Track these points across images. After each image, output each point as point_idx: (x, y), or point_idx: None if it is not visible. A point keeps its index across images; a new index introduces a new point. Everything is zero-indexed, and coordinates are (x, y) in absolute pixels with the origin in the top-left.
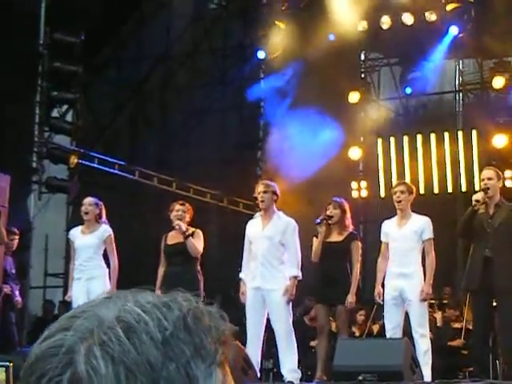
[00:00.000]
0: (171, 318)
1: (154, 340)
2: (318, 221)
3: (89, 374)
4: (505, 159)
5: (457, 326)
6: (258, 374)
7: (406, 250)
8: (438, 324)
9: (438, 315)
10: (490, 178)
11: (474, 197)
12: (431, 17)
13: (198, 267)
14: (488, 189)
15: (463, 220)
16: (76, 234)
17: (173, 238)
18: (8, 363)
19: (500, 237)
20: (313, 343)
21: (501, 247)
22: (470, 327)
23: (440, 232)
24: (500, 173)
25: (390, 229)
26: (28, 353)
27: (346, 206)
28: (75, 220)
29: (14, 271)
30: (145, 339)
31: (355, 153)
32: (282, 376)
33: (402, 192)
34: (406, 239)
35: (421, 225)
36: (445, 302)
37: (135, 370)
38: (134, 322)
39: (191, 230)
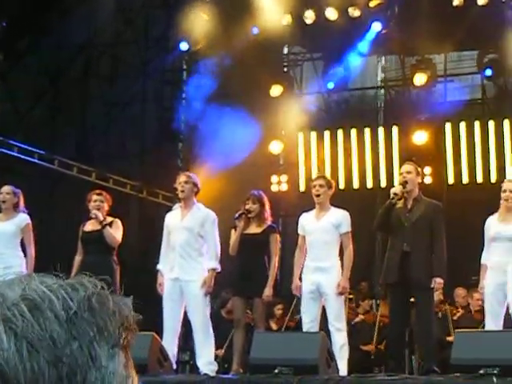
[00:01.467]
0: (76, 298)
1: (59, 318)
2: (237, 215)
3: None
4: (424, 156)
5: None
6: (174, 366)
7: (323, 243)
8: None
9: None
10: (408, 172)
11: (392, 190)
12: (354, 12)
13: (115, 257)
14: (406, 182)
15: (380, 213)
16: None
17: (90, 226)
18: None
19: (417, 231)
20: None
21: (418, 241)
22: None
23: (359, 227)
24: (419, 168)
25: (307, 222)
26: None
27: (265, 200)
28: None
29: None
30: (49, 316)
31: (276, 147)
32: (197, 368)
33: (320, 186)
34: (323, 232)
35: (338, 218)
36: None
37: (38, 346)
38: (39, 299)
39: (110, 219)
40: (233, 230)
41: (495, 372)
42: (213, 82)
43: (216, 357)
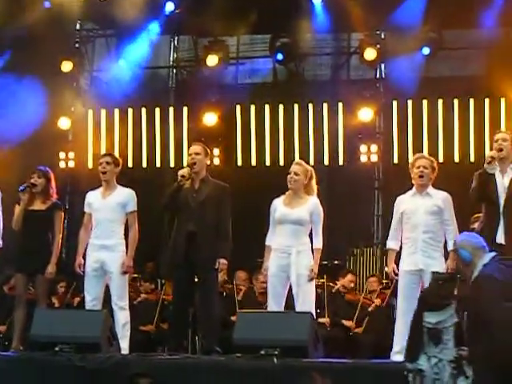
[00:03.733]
0: None
1: None
2: (22, 188)
3: None
4: (214, 137)
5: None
6: None
7: (108, 221)
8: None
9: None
10: (197, 153)
11: (180, 172)
12: None
13: None
14: (194, 164)
15: (167, 194)
16: None
17: None
18: None
19: (203, 212)
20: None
21: (204, 222)
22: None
23: (147, 207)
24: (208, 149)
25: (93, 199)
26: None
27: (51, 175)
28: None
29: None
30: None
31: (65, 123)
32: None
33: (107, 163)
34: (109, 210)
35: (125, 197)
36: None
37: None
38: None
39: None
40: (17, 205)
41: (275, 353)
42: (3, 53)
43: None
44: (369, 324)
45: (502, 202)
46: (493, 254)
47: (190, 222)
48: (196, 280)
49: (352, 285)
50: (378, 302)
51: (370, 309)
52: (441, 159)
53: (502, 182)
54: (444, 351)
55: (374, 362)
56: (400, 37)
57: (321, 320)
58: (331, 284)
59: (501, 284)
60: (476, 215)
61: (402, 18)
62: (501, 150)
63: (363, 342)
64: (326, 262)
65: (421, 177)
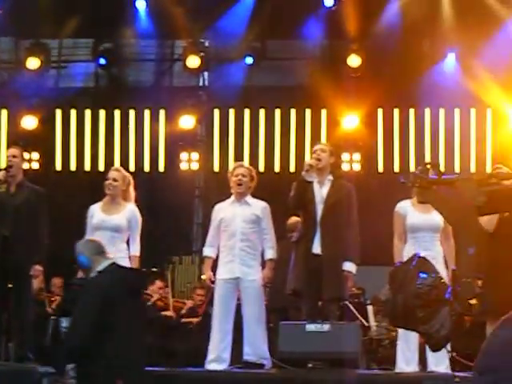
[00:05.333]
0: None
1: None
2: None
3: None
4: (34, 141)
5: None
6: None
7: None
8: None
9: None
10: (14, 156)
11: None
12: None
13: None
14: (11, 167)
15: None
16: None
17: None
18: None
19: (19, 216)
20: None
21: (19, 227)
22: None
23: None
24: (25, 153)
25: None
26: None
27: None
28: None
29: None
30: None
31: None
32: None
33: None
34: None
35: None
36: None
37: None
38: None
39: None
40: None
41: None
42: None
43: None
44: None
45: (319, 212)
46: (110, 261)
47: (4, 226)
48: (10, 286)
49: (161, 291)
50: (190, 303)
51: (183, 311)
52: (261, 169)
53: (319, 192)
54: None
55: (189, 370)
56: (224, 45)
57: None
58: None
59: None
60: (291, 221)
61: (226, 26)
62: (319, 160)
63: (180, 351)
64: (144, 270)
65: (239, 185)
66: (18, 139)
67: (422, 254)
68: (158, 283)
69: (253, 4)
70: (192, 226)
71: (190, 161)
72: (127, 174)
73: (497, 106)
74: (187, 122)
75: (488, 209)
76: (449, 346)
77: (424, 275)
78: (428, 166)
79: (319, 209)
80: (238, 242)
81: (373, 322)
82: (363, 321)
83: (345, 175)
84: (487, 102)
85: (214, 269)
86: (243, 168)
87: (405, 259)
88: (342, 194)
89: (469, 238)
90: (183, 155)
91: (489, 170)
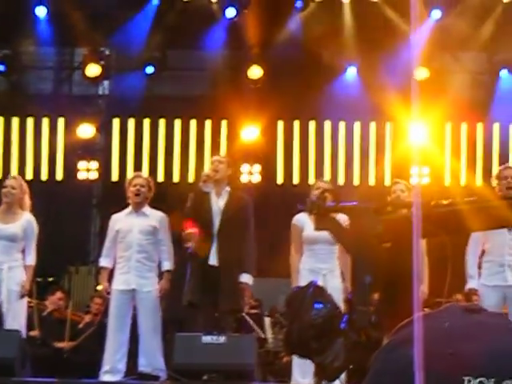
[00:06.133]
0: None
1: None
2: None
3: None
4: None
5: None
6: None
7: None
8: None
9: None
10: None
11: None
12: None
13: None
14: None
15: None
16: None
17: None
18: None
19: None
20: None
21: None
22: None
23: None
24: None
25: None
26: None
27: None
28: None
29: None
30: None
31: None
32: None
33: None
34: None
35: None
36: None
37: None
38: None
39: None
40: None
41: None
42: None
43: None
44: (81, 342)
45: (216, 223)
46: None
47: None
48: None
49: (61, 302)
50: (88, 318)
51: (80, 326)
52: (161, 178)
53: (216, 204)
54: None
55: (83, 381)
56: (125, 54)
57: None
58: (42, 305)
59: None
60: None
61: (127, 35)
62: (216, 171)
63: (74, 361)
64: (39, 280)
65: (137, 195)
66: None
67: (318, 283)
68: (59, 294)
69: (154, 13)
70: (89, 236)
71: (88, 170)
72: (23, 183)
73: (396, 119)
74: (86, 130)
75: (386, 237)
76: (343, 377)
77: (319, 305)
78: (326, 194)
79: (216, 220)
80: (134, 253)
81: (270, 334)
82: (260, 332)
83: (243, 187)
84: (387, 115)
85: (110, 279)
86: (141, 178)
87: (301, 271)
88: (239, 205)
89: (366, 267)
90: (81, 164)
91: (388, 183)
